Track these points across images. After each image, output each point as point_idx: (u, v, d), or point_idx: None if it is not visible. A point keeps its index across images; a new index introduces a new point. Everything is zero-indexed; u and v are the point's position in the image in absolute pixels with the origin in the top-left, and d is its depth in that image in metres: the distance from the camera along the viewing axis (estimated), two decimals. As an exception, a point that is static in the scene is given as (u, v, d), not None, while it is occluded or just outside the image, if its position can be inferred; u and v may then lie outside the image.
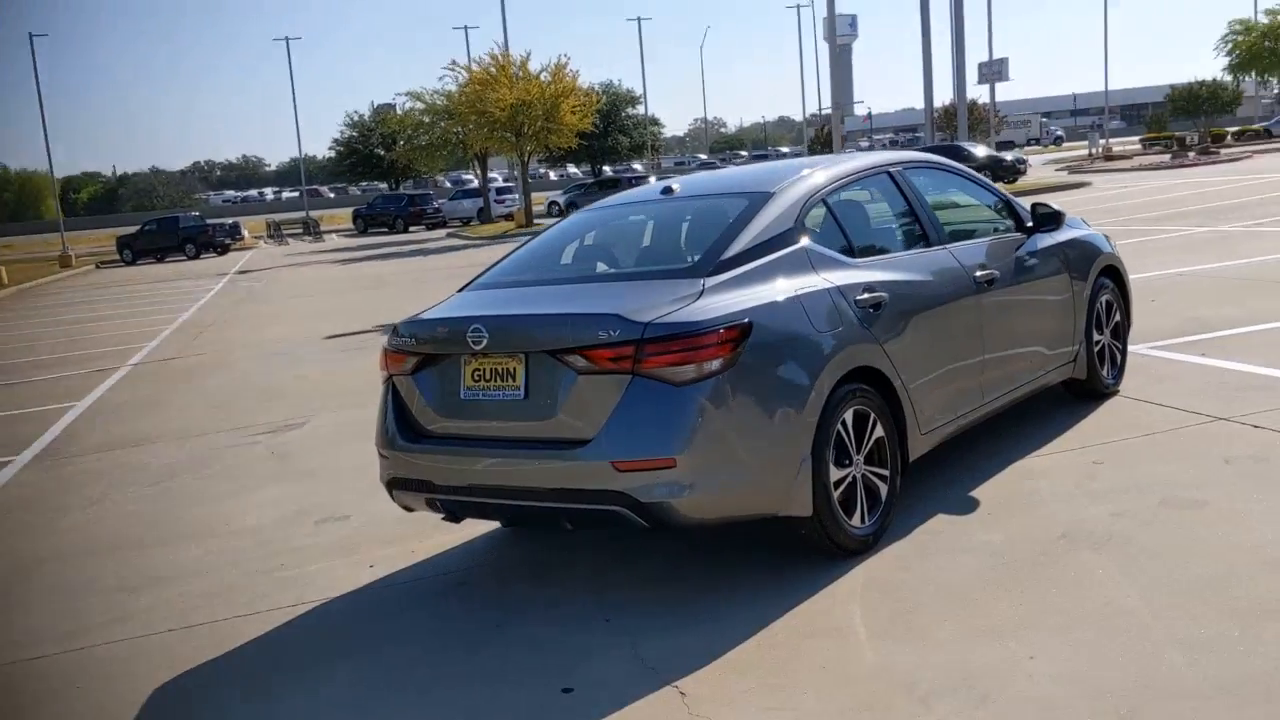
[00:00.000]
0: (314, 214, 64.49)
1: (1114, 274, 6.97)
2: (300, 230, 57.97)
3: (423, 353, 4.80)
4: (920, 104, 51.20)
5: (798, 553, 4.75)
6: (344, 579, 5.30)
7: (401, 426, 4.86)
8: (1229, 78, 65.84)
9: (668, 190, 5.57)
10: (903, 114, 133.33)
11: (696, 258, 4.74)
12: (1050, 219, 6.21)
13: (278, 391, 11.04)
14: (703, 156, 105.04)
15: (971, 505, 5.19)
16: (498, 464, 4.51)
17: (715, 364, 4.20)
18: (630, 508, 4.21)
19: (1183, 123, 69.25)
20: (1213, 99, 70.25)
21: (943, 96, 71.49)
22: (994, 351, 5.63)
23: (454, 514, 4.88)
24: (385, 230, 54.42)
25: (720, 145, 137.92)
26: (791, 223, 4.90)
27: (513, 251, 5.72)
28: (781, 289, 4.59)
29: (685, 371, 4.18)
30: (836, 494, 4.57)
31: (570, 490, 4.31)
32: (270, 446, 8.45)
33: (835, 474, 4.57)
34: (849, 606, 4.26)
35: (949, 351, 5.29)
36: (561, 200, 52.71)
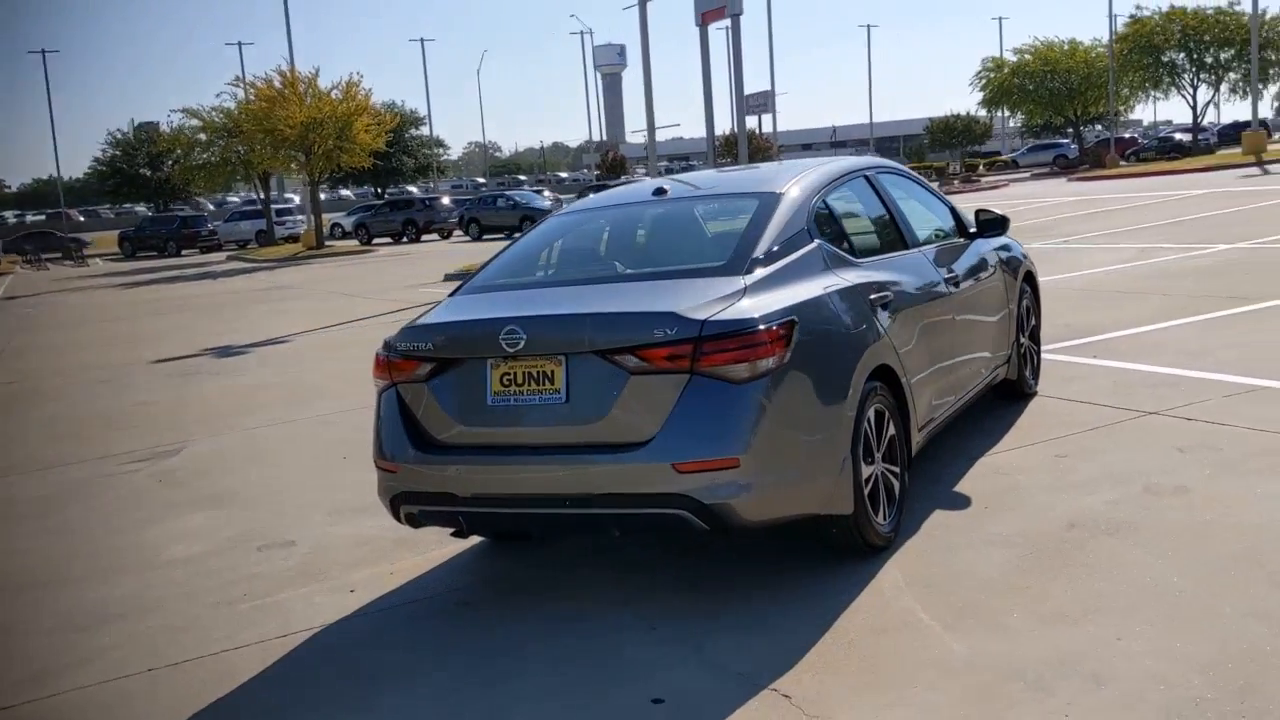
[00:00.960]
0: (81, 235, 60.20)
1: (1031, 280, 7.29)
2: (59, 255, 54.16)
3: (441, 358, 4.51)
4: (687, 134, 52.59)
5: (811, 554, 4.73)
6: (326, 606, 4.92)
7: (411, 437, 4.56)
8: (984, 112, 70.71)
9: (660, 191, 5.46)
10: (671, 143, 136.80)
11: (726, 257, 4.64)
12: (995, 225, 6.44)
13: (124, 419, 10.22)
14: (481, 180, 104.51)
15: (964, 501, 5.29)
16: (538, 471, 4.28)
17: (770, 361, 4.13)
18: (692, 510, 4.07)
19: (940, 153, 73.87)
20: (967, 131, 75.15)
21: (719, 126, 73.86)
22: (961, 352, 5.79)
23: (474, 528, 4.61)
24: (155, 254, 51.61)
25: (497, 169, 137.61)
26: (804, 223, 4.89)
27: (500, 253, 5.48)
28: (813, 287, 4.57)
29: (743, 369, 4.08)
30: (865, 491, 4.57)
31: (626, 495, 4.14)
32: (154, 474, 7.79)
33: (864, 471, 4.57)
34: (903, 601, 4.25)
35: (935, 350, 5.39)
36: (346, 222, 51.33)
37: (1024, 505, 5.16)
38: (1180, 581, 4.14)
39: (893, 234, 5.65)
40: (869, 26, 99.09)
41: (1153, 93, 64.33)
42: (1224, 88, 62.37)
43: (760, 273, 4.48)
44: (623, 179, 58.49)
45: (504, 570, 5.22)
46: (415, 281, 23.53)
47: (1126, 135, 71.66)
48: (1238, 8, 59.51)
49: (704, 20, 29.01)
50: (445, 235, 46.43)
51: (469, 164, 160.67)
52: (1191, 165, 37.60)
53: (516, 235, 5.66)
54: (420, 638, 4.48)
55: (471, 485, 4.41)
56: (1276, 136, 59.57)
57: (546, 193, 51.79)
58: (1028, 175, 56.89)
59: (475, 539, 5.38)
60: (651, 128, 26.60)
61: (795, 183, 5.14)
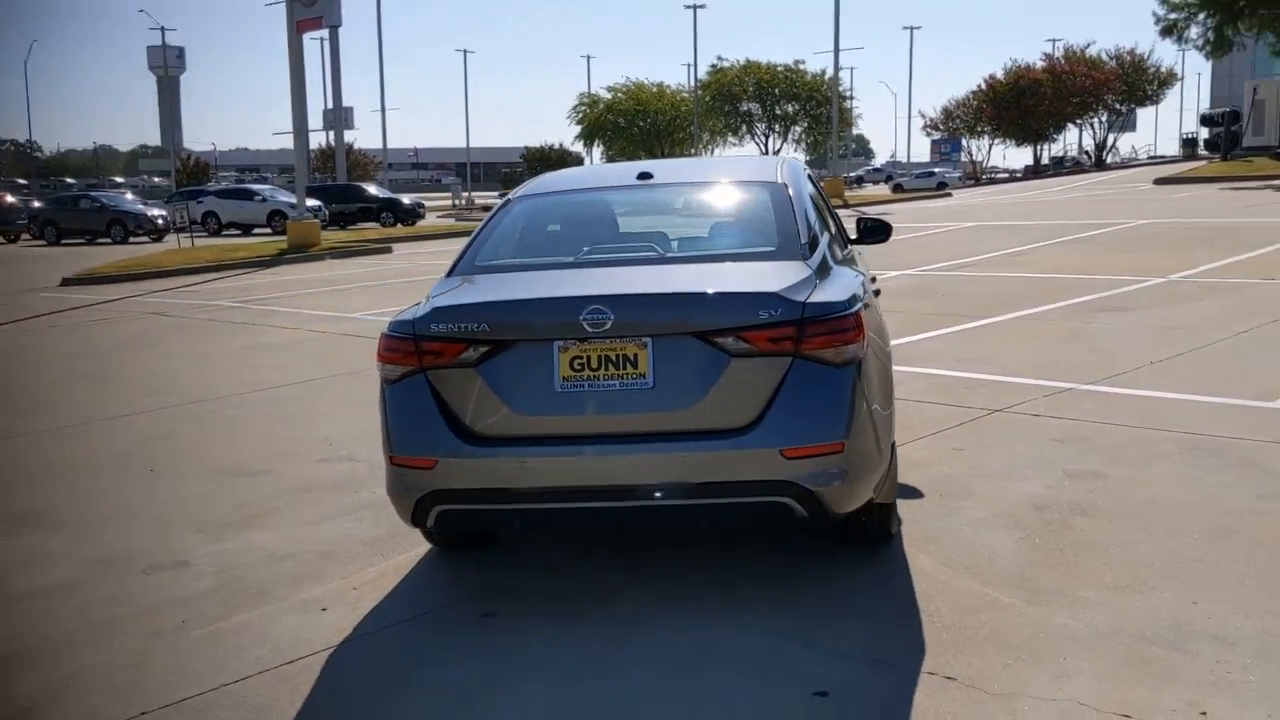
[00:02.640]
0: None
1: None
2: None
3: (496, 340, 4.05)
4: (251, 144, 50.58)
5: (815, 547, 4.77)
6: (309, 626, 4.27)
7: (451, 428, 4.06)
8: (581, 144, 73.60)
9: (646, 175, 5.23)
10: (238, 153, 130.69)
11: (775, 242, 4.52)
12: (878, 230, 6.68)
13: None
14: (23, 181, 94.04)
15: (915, 492, 5.47)
16: (621, 461, 3.94)
17: (859, 347, 4.08)
18: (796, 497, 3.92)
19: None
20: (561, 162, 77.80)
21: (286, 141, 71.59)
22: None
23: (527, 526, 4.18)
24: None
25: (45, 169, 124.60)
26: (815, 214, 4.90)
27: (479, 235, 4.97)
28: (850, 276, 4.57)
29: (841, 353, 3.99)
30: None
31: (727, 483, 3.92)
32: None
33: None
34: (963, 583, 4.33)
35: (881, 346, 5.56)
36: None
37: (974, 493, 5.41)
38: (1189, 551, 4.53)
39: (836, 230, 5.77)
40: (465, 51, 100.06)
41: (730, 138, 70.03)
42: (790, 138, 69.00)
43: (813, 258, 4.43)
44: (211, 184, 54.86)
45: (499, 578, 4.72)
46: (28, 285, 20.82)
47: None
48: (803, 66, 66.29)
49: (299, 30, 28.20)
50: (11, 239, 41.26)
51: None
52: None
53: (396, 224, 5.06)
54: (479, 651, 3.99)
55: (535, 478, 3.99)
56: (873, 187, 65.90)
57: (129, 194, 47.39)
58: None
59: (413, 551, 4.88)
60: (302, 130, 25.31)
61: (783, 175, 5.11)
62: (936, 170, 65.41)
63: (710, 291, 4.05)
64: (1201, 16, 34.07)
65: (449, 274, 4.65)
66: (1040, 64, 60.36)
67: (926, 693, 3.50)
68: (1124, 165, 56.92)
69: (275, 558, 5.04)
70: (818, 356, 3.95)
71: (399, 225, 39.78)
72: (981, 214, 28.80)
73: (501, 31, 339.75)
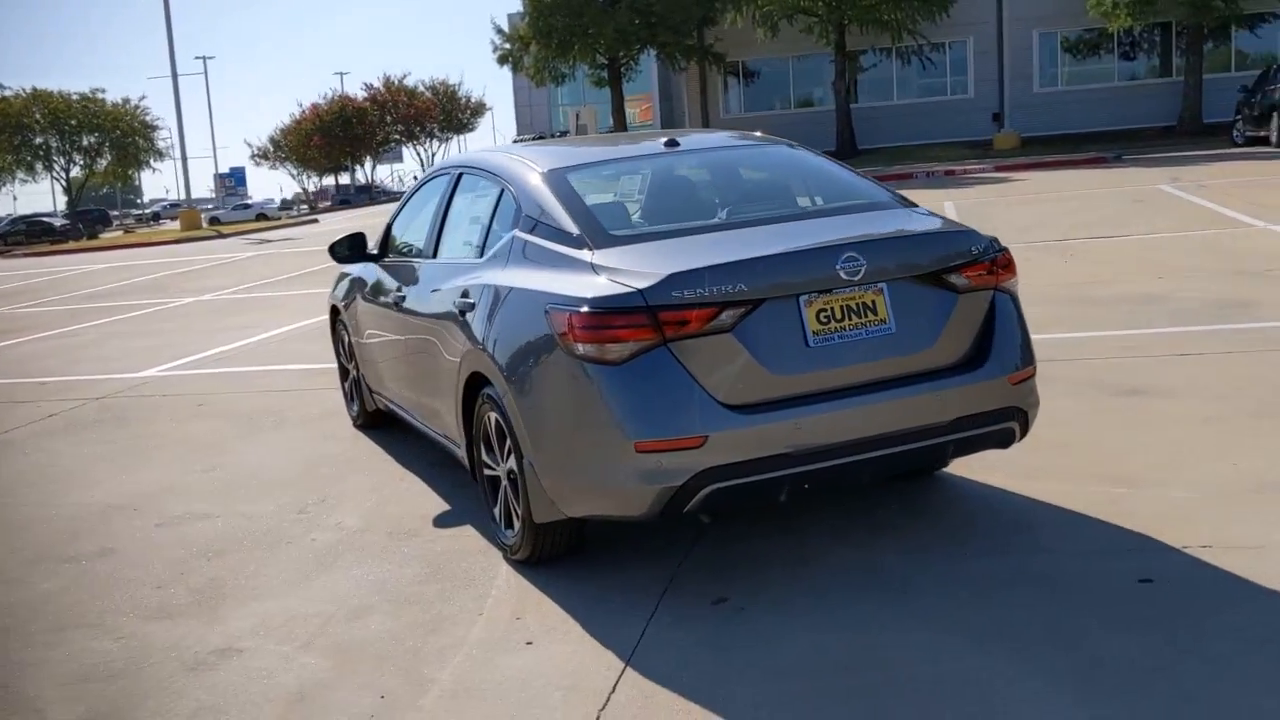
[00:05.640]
0: None
1: None
2: None
3: (751, 300, 3.83)
4: None
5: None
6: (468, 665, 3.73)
7: (717, 400, 3.79)
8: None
9: (673, 143, 5.02)
10: None
11: (885, 195, 4.72)
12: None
13: None
14: None
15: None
16: (883, 409, 3.98)
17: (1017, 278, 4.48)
18: (1018, 421, 4.27)
19: None
20: None
21: None
22: None
23: (795, 492, 3.96)
24: None
25: None
26: None
27: (552, 206, 4.48)
28: None
29: (1014, 283, 4.42)
30: None
31: (972, 416, 4.14)
32: None
33: None
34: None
35: None
36: None
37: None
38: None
39: None
40: None
41: (19, 174, 62.50)
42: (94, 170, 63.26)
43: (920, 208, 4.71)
44: None
45: (701, 563, 4.38)
46: None
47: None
48: (102, 95, 61.08)
49: None
50: None
51: None
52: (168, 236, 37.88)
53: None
54: (735, 636, 3.77)
55: (809, 439, 3.87)
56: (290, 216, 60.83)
57: None
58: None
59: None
60: None
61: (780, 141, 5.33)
62: (253, 202, 64.44)
63: (938, 231, 4.21)
64: (533, 48, 37.50)
65: (582, 247, 4.19)
66: (363, 94, 62.20)
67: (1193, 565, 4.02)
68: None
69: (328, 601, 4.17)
70: (1005, 288, 4.33)
71: None
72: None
73: None
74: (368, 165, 66.92)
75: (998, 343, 4.22)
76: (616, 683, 3.54)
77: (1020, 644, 3.54)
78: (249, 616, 4.35)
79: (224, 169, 77.41)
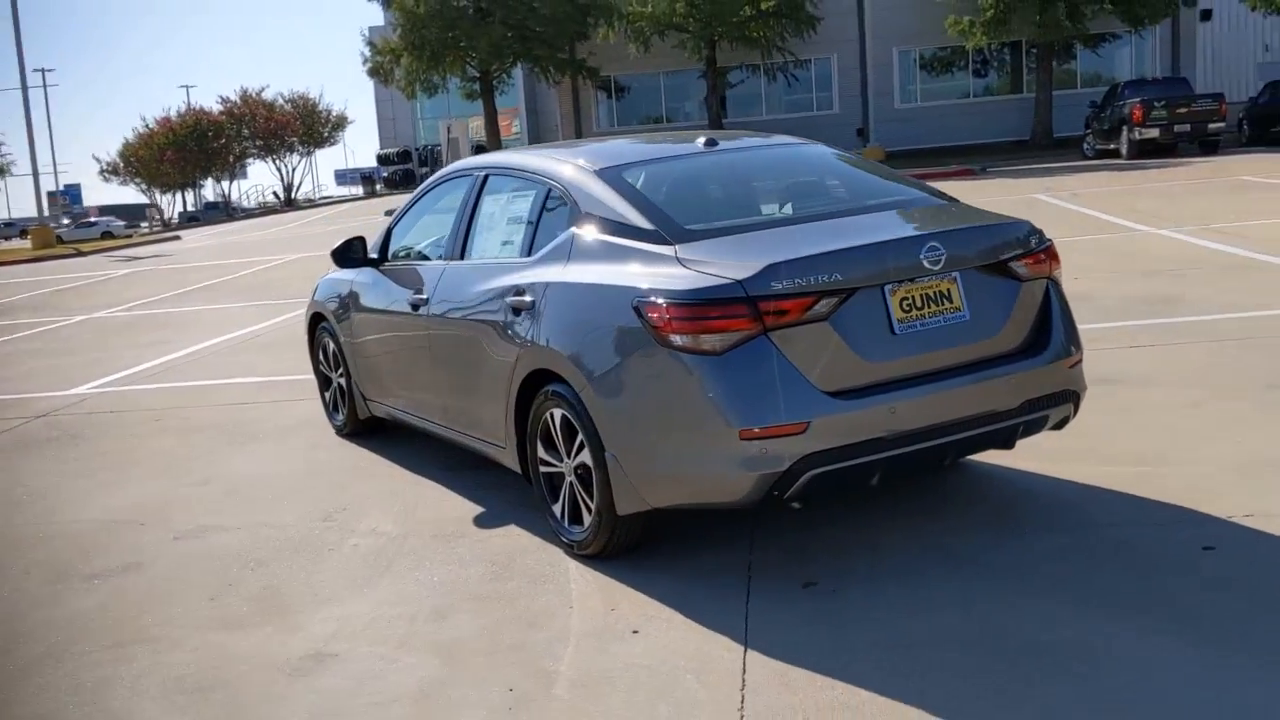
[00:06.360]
0: None
1: None
2: None
3: (845, 288, 3.98)
4: None
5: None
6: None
7: (818, 386, 3.92)
8: None
9: (712, 142, 5.11)
10: None
11: (928, 190, 4.93)
12: None
13: None
14: None
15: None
16: (964, 393, 4.18)
17: None
18: (1074, 403, 4.52)
19: None
20: None
21: None
22: None
23: (888, 475, 4.10)
24: None
25: None
26: None
27: (616, 201, 4.54)
28: None
29: (1060, 272, 4.66)
30: None
31: (1041, 398, 4.36)
32: None
33: None
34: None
35: None
36: None
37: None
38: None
39: None
40: None
41: None
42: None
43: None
44: None
45: (779, 549, 4.46)
46: None
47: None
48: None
49: None
50: None
51: None
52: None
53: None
54: (830, 618, 3.91)
55: (902, 423, 4.04)
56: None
57: None
58: None
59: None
60: None
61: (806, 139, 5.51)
62: (98, 220, 61.82)
63: (1000, 223, 4.43)
64: (404, 60, 37.07)
65: (659, 242, 4.26)
66: (218, 107, 60.28)
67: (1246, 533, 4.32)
68: (313, 205, 59.11)
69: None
70: (1055, 277, 4.57)
71: None
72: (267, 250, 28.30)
73: None
74: (225, 181, 64.95)
75: (1054, 329, 4.45)
76: (744, 663, 3.62)
77: (1117, 607, 3.76)
78: (326, 622, 4.27)
79: (56, 186, 74.04)
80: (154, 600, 4.65)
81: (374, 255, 6.26)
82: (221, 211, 56.39)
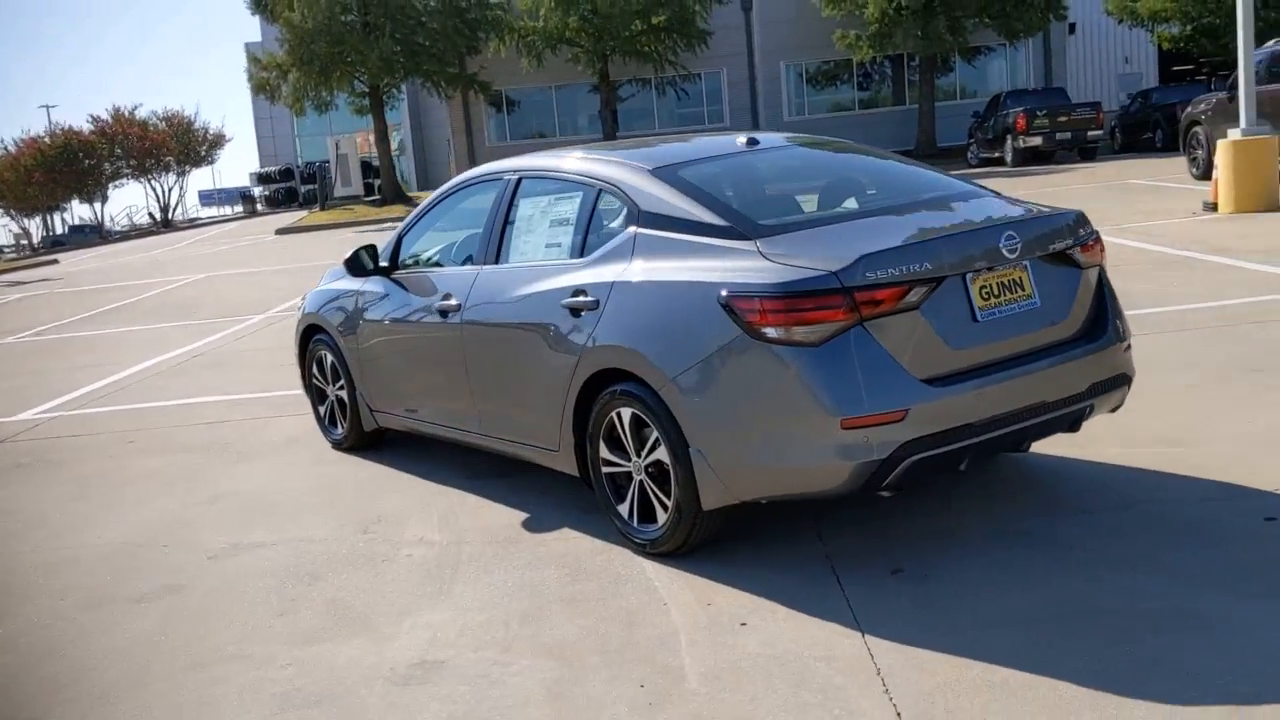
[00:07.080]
0: None
1: None
2: None
3: (936, 278, 4.09)
4: None
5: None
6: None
7: (913, 374, 4.02)
8: None
9: (753, 140, 5.17)
10: None
11: (972, 184, 5.06)
12: None
13: None
14: None
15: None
16: (1041, 377, 4.33)
17: None
18: (1128, 387, 4.70)
19: None
20: None
21: None
22: None
23: (976, 459, 4.22)
24: None
25: None
26: None
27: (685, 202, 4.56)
28: None
29: (1105, 264, 4.84)
30: None
31: (1102, 382, 4.53)
32: None
33: None
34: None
35: None
36: None
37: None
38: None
39: None
40: None
41: None
42: None
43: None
44: None
45: (863, 539, 4.52)
46: None
47: None
48: None
49: None
50: None
51: None
52: None
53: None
54: (930, 605, 4.02)
55: (990, 409, 4.17)
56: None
57: None
58: None
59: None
60: None
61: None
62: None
63: (1059, 212, 4.62)
64: (292, 76, 36.29)
65: (737, 237, 4.31)
66: (89, 127, 57.95)
67: (1293, 496, 4.57)
68: (193, 225, 57.27)
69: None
70: (1103, 265, 4.75)
71: None
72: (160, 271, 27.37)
73: None
74: (96, 204, 62.48)
75: (1109, 315, 4.64)
76: (868, 649, 3.67)
77: (1207, 578, 3.92)
78: (415, 630, 4.19)
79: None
80: (216, 619, 4.49)
81: (384, 264, 6.16)
82: (93, 234, 54.28)
